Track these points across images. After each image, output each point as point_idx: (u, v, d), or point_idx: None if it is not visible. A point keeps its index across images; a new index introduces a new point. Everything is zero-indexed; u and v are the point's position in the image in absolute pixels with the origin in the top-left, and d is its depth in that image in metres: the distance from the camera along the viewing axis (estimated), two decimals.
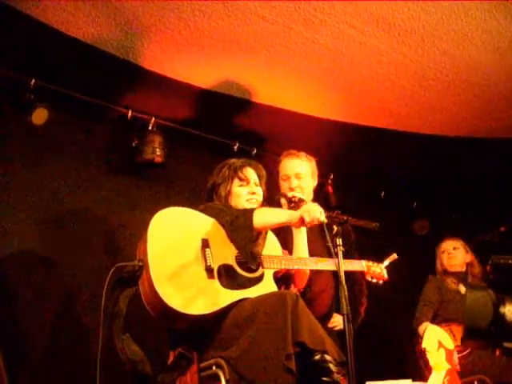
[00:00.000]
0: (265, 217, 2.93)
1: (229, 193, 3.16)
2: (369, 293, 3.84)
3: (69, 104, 4.23)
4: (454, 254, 4.77)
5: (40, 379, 3.86)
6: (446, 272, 4.76)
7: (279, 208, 3.21)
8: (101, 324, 2.74)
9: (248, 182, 3.20)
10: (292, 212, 3.00)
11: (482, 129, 5.10)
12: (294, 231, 3.23)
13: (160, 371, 2.77)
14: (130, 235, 4.30)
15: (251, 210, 2.96)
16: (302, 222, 2.89)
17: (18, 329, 3.86)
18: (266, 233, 3.10)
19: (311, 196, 3.67)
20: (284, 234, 3.31)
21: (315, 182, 3.73)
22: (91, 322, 3.92)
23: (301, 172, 3.62)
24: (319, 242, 3.40)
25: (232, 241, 2.91)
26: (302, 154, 3.70)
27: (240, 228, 2.88)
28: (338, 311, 3.66)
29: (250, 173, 3.23)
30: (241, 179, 3.18)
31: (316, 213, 2.82)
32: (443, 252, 4.83)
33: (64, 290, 4.13)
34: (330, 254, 3.12)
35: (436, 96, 4.65)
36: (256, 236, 2.92)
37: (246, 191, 3.17)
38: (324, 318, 3.47)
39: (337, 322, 3.66)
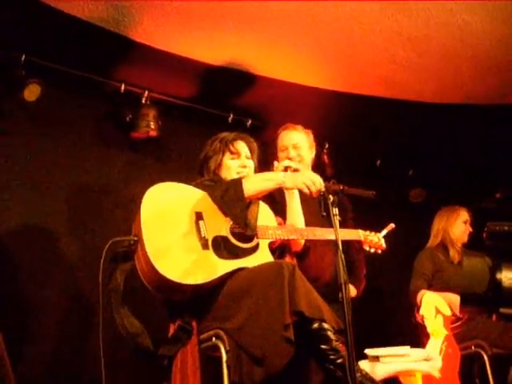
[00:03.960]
0: (254, 184, 2.95)
1: (219, 165, 3.18)
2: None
3: (61, 79, 4.19)
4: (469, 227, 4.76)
5: (44, 352, 3.92)
6: (455, 241, 4.71)
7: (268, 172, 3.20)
8: (100, 298, 2.75)
9: (239, 156, 3.21)
10: (280, 174, 3.03)
11: (476, 95, 5.08)
12: (287, 196, 3.25)
13: (161, 344, 2.79)
14: (125, 209, 4.30)
15: (239, 180, 2.96)
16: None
17: (21, 303, 3.91)
18: (259, 203, 3.11)
19: (309, 168, 3.70)
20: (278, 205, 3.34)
21: (312, 155, 3.77)
22: (92, 297, 3.95)
23: (299, 142, 3.68)
24: (314, 211, 3.41)
25: (226, 214, 2.91)
26: (299, 126, 3.75)
27: (232, 200, 2.88)
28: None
29: (242, 146, 3.24)
30: (232, 152, 3.20)
31: (304, 179, 2.87)
32: (465, 222, 4.74)
33: (63, 264, 4.16)
34: (324, 223, 3.13)
35: (431, 63, 4.61)
36: (248, 204, 2.95)
37: (236, 164, 3.19)
38: (331, 286, 3.46)
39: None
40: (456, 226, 4.73)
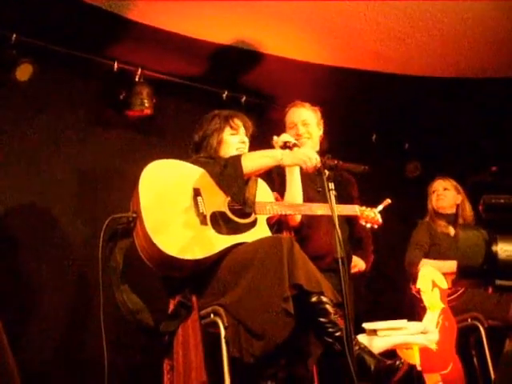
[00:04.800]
0: (252, 161, 2.96)
1: (220, 142, 3.16)
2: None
3: (53, 58, 4.16)
4: (444, 195, 4.71)
5: (46, 333, 3.93)
6: (436, 213, 4.76)
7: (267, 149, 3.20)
8: (100, 273, 2.75)
9: (238, 131, 3.21)
10: (278, 151, 3.02)
11: (471, 69, 5.07)
12: (287, 172, 3.24)
13: (161, 320, 2.80)
14: (121, 187, 4.29)
15: (238, 157, 2.97)
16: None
17: (22, 284, 3.93)
18: (257, 180, 3.12)
19: (318, 145, 3.68)
20: (280, 180, 3.34)
21: (321, 132, 3.73)
22: (93, 277, 3.96)
23: (307, 119, 3.65)
24: (311, 186, 3.41)
25: (224, 190, 2.93)
26: (307, 104, 3.73)
27: (230, 177, 2.90)
28: (354, 253, 3.78)
29: (239, 122, 3.24)
30: (232, 127, 3.19)
31: (302, 157, 2.89)
32: (433, 192, 4.76)
33: (61, 245, 4.16)
34: (322, 198, 3.13)
35: (425, 37, 4.58)
36: (246, 181, 2.96)
37: (236, 140, 3.18)
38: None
39: (357, 264, 3.80)
40: (429, 199, 4.79)
